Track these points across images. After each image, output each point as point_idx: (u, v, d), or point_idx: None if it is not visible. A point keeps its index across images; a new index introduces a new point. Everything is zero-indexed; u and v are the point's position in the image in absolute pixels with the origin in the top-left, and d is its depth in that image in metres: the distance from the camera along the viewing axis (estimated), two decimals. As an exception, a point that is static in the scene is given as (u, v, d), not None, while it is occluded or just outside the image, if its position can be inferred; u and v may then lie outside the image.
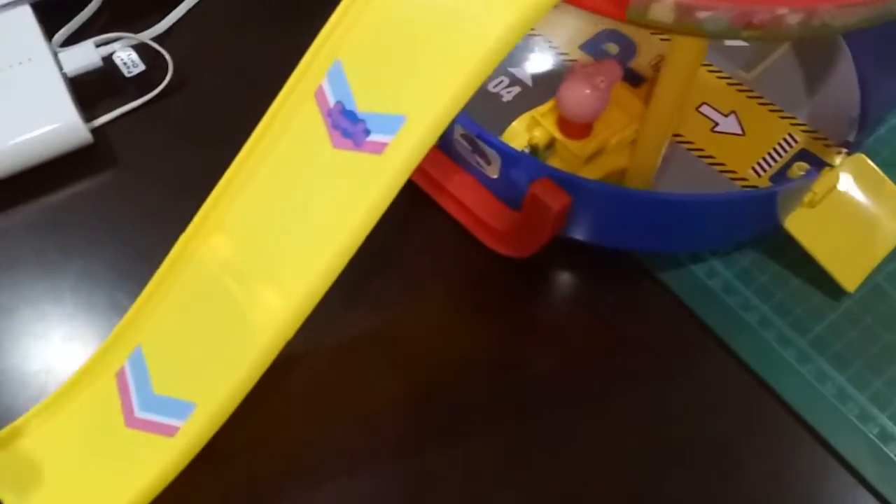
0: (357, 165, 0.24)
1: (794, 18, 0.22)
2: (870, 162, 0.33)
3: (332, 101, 0.25)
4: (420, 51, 0.23)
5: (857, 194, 0.33)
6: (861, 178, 0.33)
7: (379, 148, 0.23)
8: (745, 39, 0.24)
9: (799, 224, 0.32)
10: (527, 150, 0.30)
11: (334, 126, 0.25)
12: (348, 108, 0.24)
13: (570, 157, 0.31)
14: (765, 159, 0.34)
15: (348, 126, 0.24)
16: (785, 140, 0.35)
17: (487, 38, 0.22)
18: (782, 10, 0.21)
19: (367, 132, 0.24)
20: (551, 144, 0.31)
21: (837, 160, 0.34)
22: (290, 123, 0.25)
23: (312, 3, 0.40)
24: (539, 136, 0.30)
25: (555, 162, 0.31)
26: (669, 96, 0.27)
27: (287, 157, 0.25)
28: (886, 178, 0.34)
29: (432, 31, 0.23)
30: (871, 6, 0.22)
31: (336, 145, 0.24)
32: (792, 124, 0.35)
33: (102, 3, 0.39)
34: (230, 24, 0.39)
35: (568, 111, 0.29)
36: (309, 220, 0.25)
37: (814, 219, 0.32)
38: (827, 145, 0.35)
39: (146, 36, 0.37)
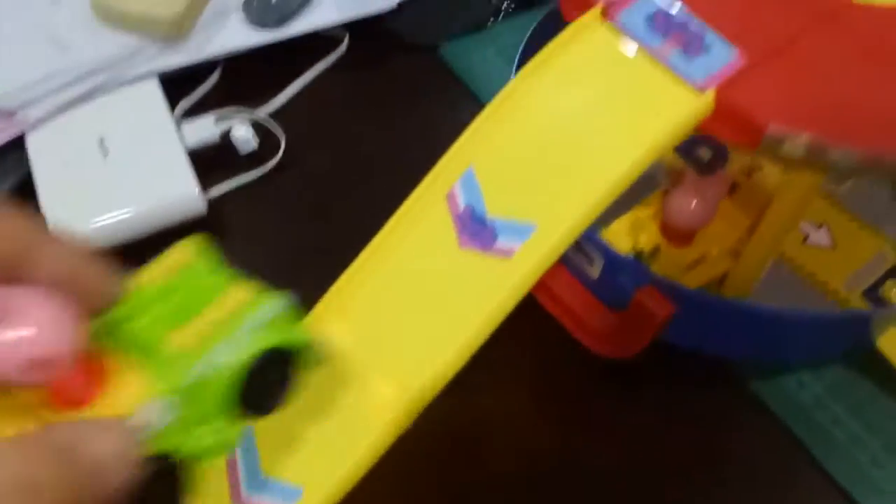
0: (483, 267, 0.25)
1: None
2: (962, 285, 0.34)
3: (462, 205, 0.26)
4: (554, 166, 0.25)
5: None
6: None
7: (507, 253, 0.25)
8: (871, 177, 0.25)
9: (892, 344, 0.32)
10: (631, 254, 0.31)
11: (463, 228, 0.26)
12: (478, 212, 0.26)
13: (671, 263, 0.32)
14: (857, 273, 0.35)
15: (477, 229, 0.25)
16: (876, 257, 0.36)
17: (621, 164, 0.23)
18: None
19: (495, 237, 0.25)
20: (656, 250, 0.31)
21: (930, 280, 0.34)
22: (420, 222, 0.26)
23: (415, 91, 0.42)
24: (645, 242, 0.31)
25: (656, 267, 0.32)
26: (781, 220, 0.28)
27: (414, 254, 0.27)
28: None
29: (568, 150, 0.25)
30: None
31: (463, 246, 0.26)
32: (884, 241, 0.36)
33: (220, 77, 0.41)
34: (340, 105, 0.41)
35: (675, 220, 0.30)
36: (432, 317, 0.26)
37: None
38: (918, 264, 0.35)
39: (261, 112, 0.39)
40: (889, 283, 0.35)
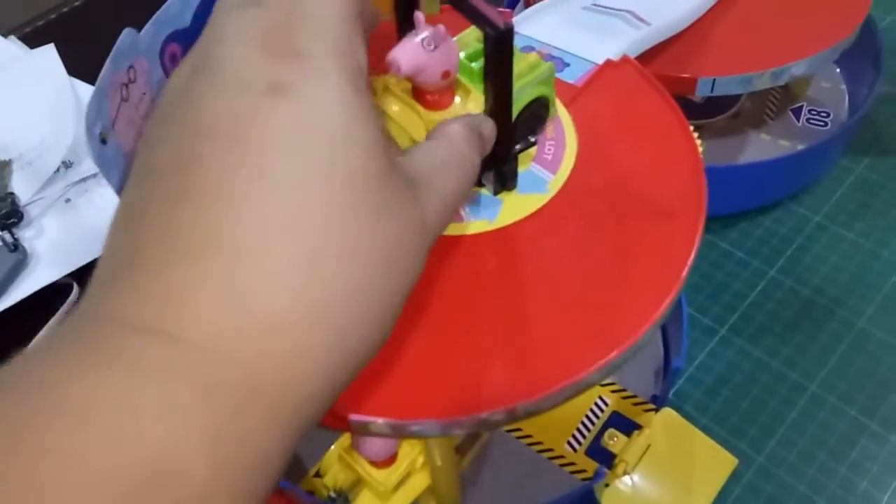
0: None
1: (498, 416, 0.23)
2: (677, 415, 0.35)
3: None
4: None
5: (670, 452, 0.35)
6: (671, 434, 0.35)
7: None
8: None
9: (615, 498, 0.33)
10: (333, 495, 0.32)
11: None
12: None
13: (380, 486, 0.32)
14: (579, 430, 0.36)
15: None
16: (596, 405, 0.37)
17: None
18: (484, 414, 0.23)
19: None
20: (357, 482, 0.32)
21: (646, 419, 0.36)
22: None
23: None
24: (343, 479, 0.31)
25: (367, 496, 0.32)
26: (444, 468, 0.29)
27: None
28: (696, 429, 0.35)
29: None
30: (565, 388, 0.24)
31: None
32: (601, 385, 0.37)
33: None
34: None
35: (368, 456, 0.31)
36: None
37: (631, 488, 0.34)
38: (636, 403, 0.37)
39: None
40: (609, 432, 0.36)
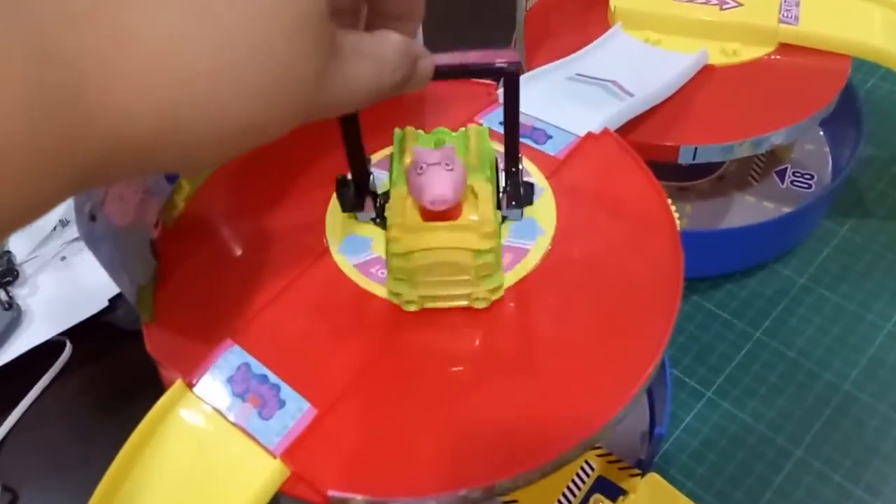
0: None
1: (476, 493, 0.24)
2: (662, 480, 0.35)
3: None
4: None
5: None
6: (656, 499, 0.35)
7: None
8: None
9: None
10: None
11: None
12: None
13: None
14: (564, 495, 0.36)
15: None
16: (582, 469, 0.37)
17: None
18: (462, 491, 0.24)
19: None
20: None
21: (632, 484, 0.36)
22: None
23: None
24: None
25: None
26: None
27: None
28: (680, 494, 0.35)
29: None
30: (543, 466, 0.24)
31: None
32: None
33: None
34: (64, 427, 0.41)
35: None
36: None
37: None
38: (622, 468, 0.37)
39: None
40: (595, 497, 0.36)
